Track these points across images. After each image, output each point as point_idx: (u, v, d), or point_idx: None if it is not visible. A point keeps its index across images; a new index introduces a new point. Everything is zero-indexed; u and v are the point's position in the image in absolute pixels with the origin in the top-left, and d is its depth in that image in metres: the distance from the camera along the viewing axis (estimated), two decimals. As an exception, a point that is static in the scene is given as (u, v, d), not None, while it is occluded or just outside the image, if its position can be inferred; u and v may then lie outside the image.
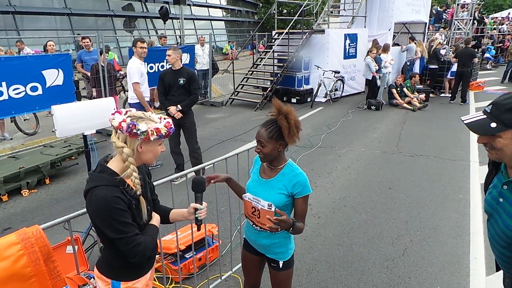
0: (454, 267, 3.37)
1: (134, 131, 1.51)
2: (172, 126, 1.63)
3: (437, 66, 11.38)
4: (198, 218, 1.83)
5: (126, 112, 1.60)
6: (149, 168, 1.91)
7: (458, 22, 15.22)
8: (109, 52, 9.02)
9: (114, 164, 1.60)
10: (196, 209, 1.83)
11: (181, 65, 5.09)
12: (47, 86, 6.48)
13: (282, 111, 1.89)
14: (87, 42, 8.26)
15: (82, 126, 3.01)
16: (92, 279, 3.07)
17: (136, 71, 5.40)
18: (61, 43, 16.02)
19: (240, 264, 3.33)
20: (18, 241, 1.64)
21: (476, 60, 10.54)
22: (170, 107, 5.00)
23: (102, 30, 17.98)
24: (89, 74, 8.03)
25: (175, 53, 4.96)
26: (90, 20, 19.29)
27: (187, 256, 3.27)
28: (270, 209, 1.95)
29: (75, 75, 4.27)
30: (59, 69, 6.62)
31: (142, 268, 1.76)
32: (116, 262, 1.69)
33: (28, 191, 5.04)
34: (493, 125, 1.36)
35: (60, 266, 2.73)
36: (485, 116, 1.40)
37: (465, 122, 1.43)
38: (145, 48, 5.47)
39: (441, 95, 11.66)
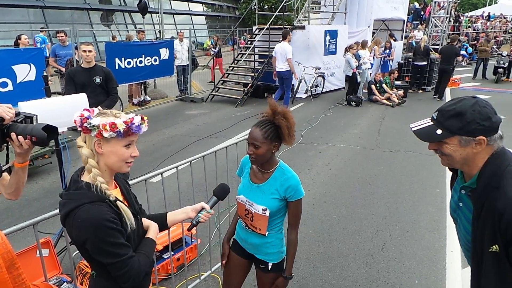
0: (431, 260, 3.42)
1: (85, 125, 1.31)
2: (136, 122, 1.37)
3: (425, 63, 11.55)
4: (199, 219, 1.72)
5: (92, 110, 1.41)
6: None
7: (435, 20, 15.53)
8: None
9: (86, 176, 1.40)
10: (202, 209, 1.72)
11: (95, 63, 4.68)
12: (18, 81, 6.24)
13: (278, 111, 1.84)
14: (62, 36, 7.98)
15: (52, 123, 2.87)
16: (65, 283, 2.96)
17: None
18: (34, 37, 15.42)
19: (220, 264, 3.29)
20: (-23, 248, 1.53)
21: (460, 58, 10.75)
22: None
23: (78, 24, 17.43)
24: (63, 69, 7.77)
25: (93, 48, 4.59)
26: (65, 13, 18.68)
27: (165, 257, 3.19)
28: (265, 213, 1.92)
29: (44, 70, 4.08)
30: (31, 64, 6.38)
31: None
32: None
33: (-2, 191, 4.82)
34: (439, 131, 1.36)
35: (26, 273, 2.61)
36: (432, 123, 1.40)
37: (413, 129, 1.44)
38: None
39: (419, 91, 11.87)
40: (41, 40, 7.97)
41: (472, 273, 1.49)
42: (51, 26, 16.68)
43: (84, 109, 1.39)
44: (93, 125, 1.31)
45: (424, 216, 4.21)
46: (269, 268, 2.05)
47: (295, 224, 2.01)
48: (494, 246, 1.32)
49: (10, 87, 6.10)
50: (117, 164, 1.41)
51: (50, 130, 1.53)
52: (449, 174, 5.51)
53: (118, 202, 1.41)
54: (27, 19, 16.94)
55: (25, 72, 6.30)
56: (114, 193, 1.46)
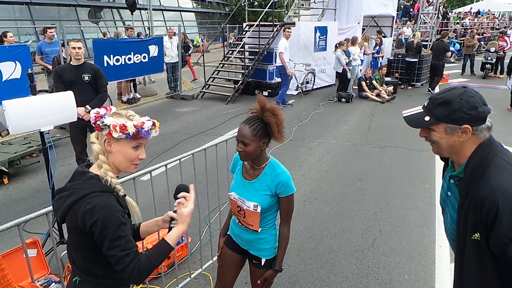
0: (421, 255, 3.46)
1: (98, 122, 1.38)
2: (146, 128, 1.42)
3: (416, 60, 11.64)
4: (172, 227, 1.62)
5: (109, 110, 1.46)
6: None
7: (424, 16, 15.65)
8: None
9: (95, 169, 1.44)
10: (172, 219, 1.63)
11: (84, 60, 4.60)
12: (3, 79, 6.12)
13: (267, 107, 1.84)
14: (52, 32, 7.81)
15: (38, 122, 2.82)
16: (54, 283, 2.92)
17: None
18: (20, 34, 15.13)
19: (211, 261, 3.28)
20: (-40, 250, 1.50)
21: (449, 54, 10.90)
22: (77, 108, 4.06)
23: (65, 20, 17.15)
24: (50, 67, 7.63)
25: (82, 45, 4.51)
26: (52, 10, 18.35)
27: (155, 255, 3.16)
28: (256, 210, 1.92)
29: (29, 68, 3.97)
30: (17, 62, 6.26)
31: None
32: None
33: (-17, 191, 4.73)
34: (427, 118, 1.40)
35: (13, 273, 2.57)
36: (422, 110, 1.44)
37: (404, 115, 1.48)
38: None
39: (409, 87, 11.97)
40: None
41: (455, 261, 1.53)
42: (38, 23, 16.38)
43: (102, 107, 1.45)
44: (105, 124, 1.37)
45: (413, 211, 4.26)
46: (262, 264, 2.06)
47: (287, 218, 2.02)
48: (475, 234, 1.34)
49: (-5, 85, 5.98)
50: (123, 163, 1.46)
51: None
52: (438, 169, 5.61)
53: (127, 197, 1.47)
54: (13, 16, 16.61)
55: (10, 70, 6.17)
56: None
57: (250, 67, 10.45)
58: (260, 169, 1.97)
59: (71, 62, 4.54)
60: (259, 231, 2.00)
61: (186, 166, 3.04)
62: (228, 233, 2.25)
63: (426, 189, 4.83)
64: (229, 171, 2.22)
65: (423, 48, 12.20)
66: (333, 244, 3.64)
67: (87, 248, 1.39)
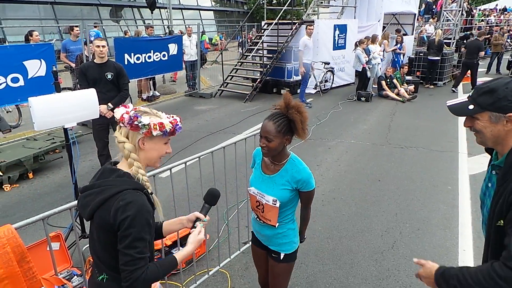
0: (443, 259, 3.36)
1: (136, 123, 1.40)
2: (179, 124, 1.50)
3: (438, 58, 11.36)
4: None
5: (135, 108, 1.48)
6: None
7: (447, 13, 15.23)
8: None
9: (123, 166, 1.47)
10: (198, 219, 1.66)
11: (107, 58, 4.66)
12: (29, 77, 6.28)
13: (292, 105, 1.84)
14: (78, 31, 8.00)
15: (62, 118, 2.89)
16: (76, 276, 2.99)
17: None
18: (45, 33, 15.57)
19: (228, 259, 3.29)
20: (-11, 242, 1.54)
21: (482, 53, 10.63)
22: (100, 106, 4.12)
23: (87, 19, 17.53)
24: (73, 65, 7.82)
25: (106, 43, 4.57)
26: (75, 9, 18.79)
27: (173, 252, 3.19)
28: (275, 204, 1.94)
29: (53, 65, 4.08)
30: (42, 60, 6.41)
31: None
32: None
33: (9, 185, 4.89)
34: (471, 107, 1.39)
35: (37, 266, 2.63)
36: (466, 100, 1.44)
37: (448, 105, 1.49)
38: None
39: (431, 86, 11.69)
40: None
41: (484, 246, 1.54)
42: (61, 22, 16.81)
43: (122, 106, 1.48)
44: (144, 124, 1.40)
45: (435, 213, 4.15)
46: (281, 258, 2.08)
47: (307, 204, 2.08)
48: (500, 221, 1.35)
49: (21, 83, 6.15)
50: (154, 159, 1.51)
51: None
52: (461, 171, 5.43)
53: (153, 195, 1.50)
54: (38, 15, 17.08)
55: (36, 67, 6.33)
56: None
57: (268, 66, 10.42)
58: (281, 165, 1.97)
59: (94, 60, 4.63)
60: (276, 226, 2.01)
61: (205, 164, 3.05)
62: (251, 230, 2.29)
63: (448, 190, 4.70)
64: (250, 167, 2.23)
65: (445, 46, 11.89)
66: (352, 245, 3.58)
67: (116, 246, 1.38)
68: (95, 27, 10.55)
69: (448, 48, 12.22)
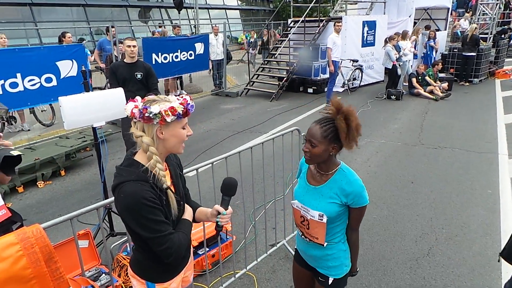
0: (484, 268, 3.15)
1: (147, 115, 1.37)
2: (190, 102, 1.45)
3: (474, 54, 10.84)
4: (219, 223, 1.64)
5: (143, 100, 1.45)
6: None
7: (484, 7, 14.51)
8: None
9: (140, 157, 1.47)
10: (219, 213, 1.64)
11: (137, 58, 4.68)
12: (61, 77, 6.46)
13: (341, 110, 1.66)
14: (114, 31, 8.16)
15: (91, 117, 2.90)
16: (104, 274, 3.00)
17: None
18: (77, 34, 16.08)
19: (255, 262, 3.21)
20: (17, 241, 1.53)
21: None
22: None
23: (117, 21, 17.97)
24: (103, 65, 8.00)
25: (137, 43, 4.58)
26: (105, 11, 19.32)
27: (200, 253, 3.15)
28: (321, 220, 1.74)
29: (83, 65, 4.14)
30: (73, 60, 6.58)
31: (176, 267, 1.65)
32: (149, 264, 1.58)
33: (43, 182, 5.03)
34: None
35: (66, 263, 2.66)
36: None
37: None
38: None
39: (466, 84, 11.16)
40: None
41: None
42: (92, 23, 17.32)
43: (130, 100, 1.44)
44: (155, 114, 1.37)
45: (474, 219, 3.90)
46: (330, 283, 1.87)
47: (356, 226, 1.85)
48: None
49: (54, 83, 6.33)
50: (176, 145, 1.49)
51: (9, 161, 1.66)
52: (502, 173, 5.09)
53: (168, 191, 1.48)
54: (71, 17, 17.67)
55: (68, 67, 6.51)
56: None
57: (295, 64, 10.27)
58: (329, 175, 1.78)
59: (124, 60, 4.68)
60: (325, 245, 1.80)
61: (231, 163, 2.99)
62: (295, 247, 2.09)
63: (488, 194, 4.42)
64: (296, 177, 2.05)
65: (481, 42, 11.30)
66: (384, 251, 3.42)
67: (130, 228, 1.49)
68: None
69: (484, 43, 11.62)
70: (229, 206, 1.66)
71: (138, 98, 1.45)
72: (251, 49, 15.68)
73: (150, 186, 1.41)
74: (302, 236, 1.90)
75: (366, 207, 1.77)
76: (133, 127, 1.46)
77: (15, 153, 1.73)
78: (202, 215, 1.76)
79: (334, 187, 1.75)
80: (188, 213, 1.66)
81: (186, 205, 1.68)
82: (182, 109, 1.42)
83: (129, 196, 1.37)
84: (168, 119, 1.39)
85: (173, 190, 1.55)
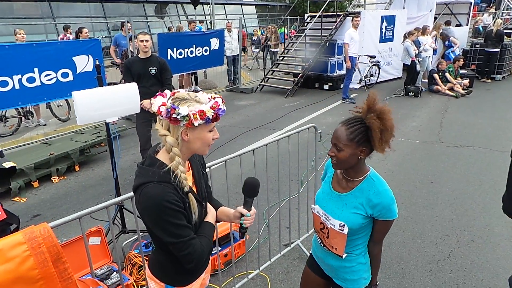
0: (509, 273, 2.97)
1: (174, 115, 1.28)
2: (221, 106, 1.37)
3: (498, 50, 10.46)
4: (243, 225, 1.57)
5: (173, 94, 1.38)
6: None
7: (508, 1, 13.98)
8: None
9: (162, 156, 1.40)
10: (242, 215, 1.57)
11: (151, 53, 4.62)
12: (77, 72, 6.49)
13: (374, 108, 1.51)
14: (130, 27, 8.18)
15: (104, 113, 2.87)
16: (115, 272, 2.97)
17: None
18: (94, 30, 16.27)
19: (269, 262, 3.13)
20: (25, 241, 1.49)
21: None
22: (143, 101, 4.14)
23: (134, 16, 18.11)
24: (118, 60, 8.03)
25: (150, 38, 4.53)
26: (122, 6, 19.48)
27: (212, 252, 3.09)
28: (342, 230, 1.61)
29: (97, 60, 4.11)
30: (89, 55, 6.60)
31: (197, 272, 1.59)
32: (169, 266, 1.53)
33: (58, 177, 5.06)
34: None
35: (76, 262, 2.63)
36: None
37: None
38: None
39: (488, 80, 10.78)
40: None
41: None
42: (109, 19, 17.49)
43: (159, 95, 1.37)
44: (183, 116, 1.29)
45: (498, 220, 3.73)
46: None
47: (379, 240, 1.69)
48: None
49: (70, 77, 6.37)
50: (201, 148, 1.42)
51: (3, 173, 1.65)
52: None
53: (190, 193, 1.41)
54: (88, 13, 17.88)
55: (84, 62, 6.54)
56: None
57: (310, 60, 10.10)
58: (356, 182, 1.62)
59: (139, 55, 4.65)
60: (343, 257, 1.67)
61: (245, 160, 2.91)
62: (310, 251, 1.97)
63: (513, 196, 4.22)
64: (321, 179, 1.93)
65: (505, 37, 10.88)
66: (403, 253, 3.29)
67: (151, 230, 1.45)
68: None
69: (508, 39, 11.19)
70: (252, 207, 1.59)
71: (167, 92, 1.38)
72: (253, 47, 15.55)
73: (173, 188, 1.34)
74: (321, 244, 1.78)
75: (393, 221, 1.61)
76: (158, 124, 1.38)
77: (7, 165, 1.70)
78: (223, 215, 1.69)
79: (360, 196, 1.61)
80: (211, 215, 1.59)
81: (209, 206, 1.62)
82: (212, 114, 1.33)
83: (152, 198, 1.31)
84: (196, 123, 1.30)
85: (195, 191, 1.49)
